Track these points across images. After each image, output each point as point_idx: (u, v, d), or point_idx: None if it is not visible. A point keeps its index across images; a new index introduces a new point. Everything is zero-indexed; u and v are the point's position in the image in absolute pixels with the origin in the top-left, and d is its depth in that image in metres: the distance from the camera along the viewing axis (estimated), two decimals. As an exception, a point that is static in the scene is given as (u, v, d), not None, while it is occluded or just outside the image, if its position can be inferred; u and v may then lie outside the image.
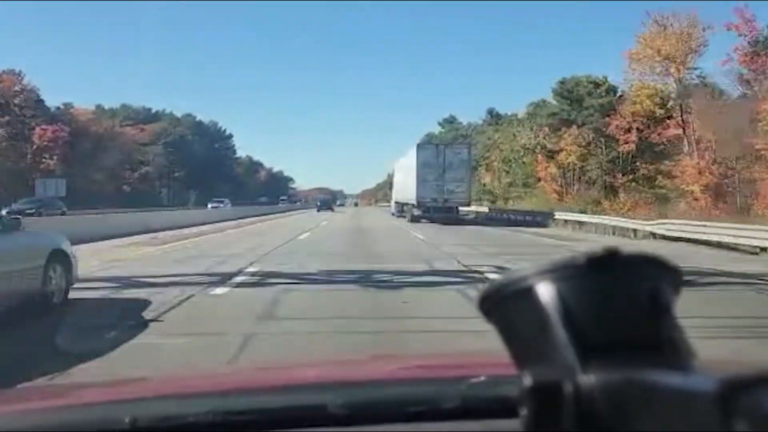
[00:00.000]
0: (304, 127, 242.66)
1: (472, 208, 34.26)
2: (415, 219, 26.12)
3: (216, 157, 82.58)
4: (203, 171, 72.95)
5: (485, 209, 36.77)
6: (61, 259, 5.80)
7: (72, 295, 5.94)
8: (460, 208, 27.54)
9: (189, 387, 1.25)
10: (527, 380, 0.49)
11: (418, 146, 27.05)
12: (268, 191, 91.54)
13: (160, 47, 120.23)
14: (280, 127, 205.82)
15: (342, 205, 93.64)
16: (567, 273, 0.50)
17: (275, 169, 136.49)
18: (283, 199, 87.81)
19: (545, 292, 0.50)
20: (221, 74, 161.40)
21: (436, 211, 25.59)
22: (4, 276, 4.80)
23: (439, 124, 78.96)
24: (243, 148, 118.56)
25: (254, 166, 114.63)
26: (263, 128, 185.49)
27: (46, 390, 1.69)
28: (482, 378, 0.93)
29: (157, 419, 0.84)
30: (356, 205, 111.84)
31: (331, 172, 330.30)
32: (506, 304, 0.53)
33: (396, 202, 36.30)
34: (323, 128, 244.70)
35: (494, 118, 61.13)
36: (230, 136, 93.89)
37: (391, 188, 45.58)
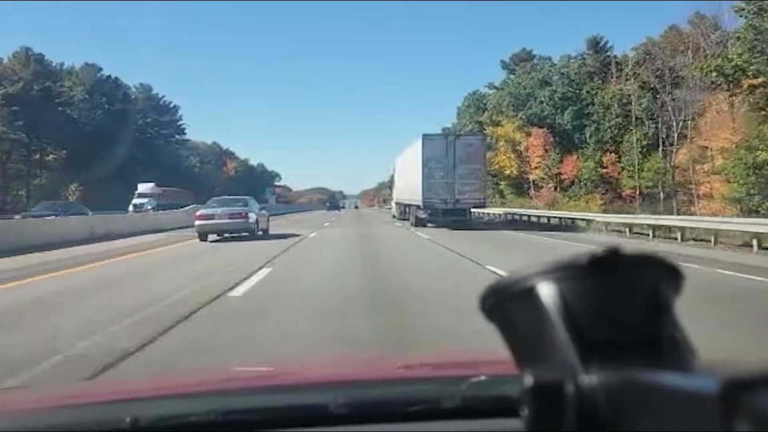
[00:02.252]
0: (300, 124, 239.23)
1: (489, 209, 29.83)
2: (419, 223, 23.79)
3: (144, 136, 57.07)
4: (113, 153, 44.00)
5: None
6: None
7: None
8: (473, 210, 23.26)
9: (190, 386, 1.29)
10: (528, 380, 0.50)
11: (424, 137, 23.35)
12: (241, 189, 66.61)
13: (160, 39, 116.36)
14: (273, 125, 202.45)
15: (342, 207, 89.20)
16: (568, 273, 0.52)
17: (254, 161, 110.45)
18: (139, 196, 41.34)
19: (546, 292, 0.52)
20: (214, 71, 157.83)
21: (444, 213, 23.04)
22: (263, 220, 19.04)
23: (504, 66, 52.52)
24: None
25: (221, 155, 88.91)
26: (255, 126, 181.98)
27: (48, 390, 1.74)
28: (483, 378, 0.98)
29: (158, 419, 0.87)
30: (356, 207, 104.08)
31: (329, 172, 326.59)
32: (508, 304, 0.55)
33: (397, 203, 32.64)
34: (320, 125, 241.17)
35: (600, 52, 40.99)
36: (175, 109, 66.12)
37: (392, 188, 40.78)
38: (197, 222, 16.89)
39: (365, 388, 1.07)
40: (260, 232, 18.13)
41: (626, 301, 0.51)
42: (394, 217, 34.04)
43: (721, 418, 0.38)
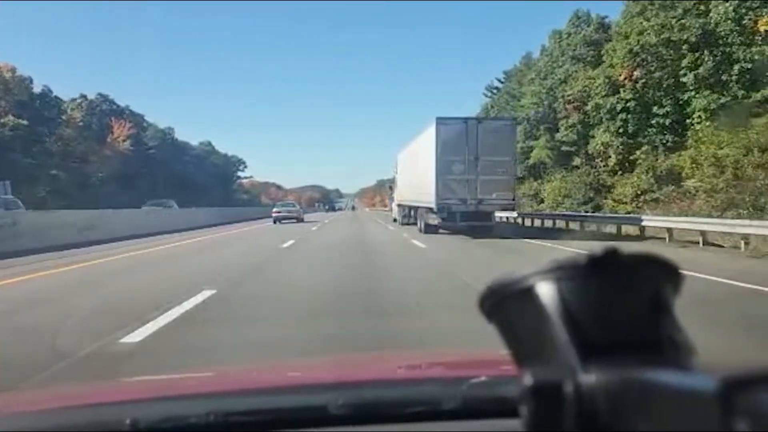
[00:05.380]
0: (296, 121, 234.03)
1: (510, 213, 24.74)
2: (430, 229, 19.68)
3: None
4: None
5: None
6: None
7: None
8: (497, 213, 20.63)
9: (189, 388, 1.32)
10: (528, 380, 0.51)
11: (439, 120, 19.08)
12: (173, 182, 48.36)
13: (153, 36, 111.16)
14: (266, 122, 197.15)
15: (339, 209, 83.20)
16: (568, 273, 0.52)
17: (188, 139, 73.85)
18: None
19: (546, 292, 0.52)
20: (204, 66, 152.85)
21: (463, 217, 18.67)
22: (302, 214, 42.24)
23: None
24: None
25: (108, 114, 54.36)
26: (248, 126, 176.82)
27: (48, 391, 1.80)
28: (483, 378, 0.99)
29: (158, 420, 0.89)
30: (353, 208, 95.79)
31: (325, 169, 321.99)
32: (507, 304, 0.56)
33: (400, 205, 28.07)
34: (317, 122, 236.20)
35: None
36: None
37: (392, 187, 35.50)
38: (274, 215, 35.88)
39: (365, 388, 1.08)
40: (302, 220, 36.85)
41: (626, 301, 0.52)
42: (395, 220, 30.48)
43: (719, 417, 0.39)
